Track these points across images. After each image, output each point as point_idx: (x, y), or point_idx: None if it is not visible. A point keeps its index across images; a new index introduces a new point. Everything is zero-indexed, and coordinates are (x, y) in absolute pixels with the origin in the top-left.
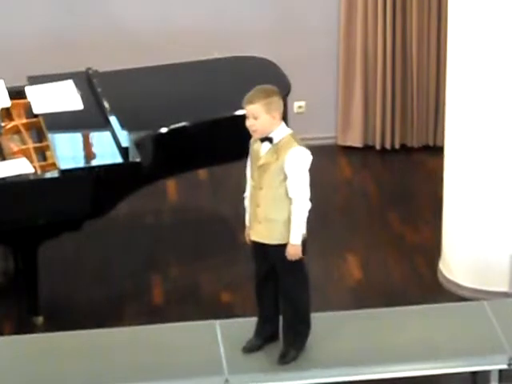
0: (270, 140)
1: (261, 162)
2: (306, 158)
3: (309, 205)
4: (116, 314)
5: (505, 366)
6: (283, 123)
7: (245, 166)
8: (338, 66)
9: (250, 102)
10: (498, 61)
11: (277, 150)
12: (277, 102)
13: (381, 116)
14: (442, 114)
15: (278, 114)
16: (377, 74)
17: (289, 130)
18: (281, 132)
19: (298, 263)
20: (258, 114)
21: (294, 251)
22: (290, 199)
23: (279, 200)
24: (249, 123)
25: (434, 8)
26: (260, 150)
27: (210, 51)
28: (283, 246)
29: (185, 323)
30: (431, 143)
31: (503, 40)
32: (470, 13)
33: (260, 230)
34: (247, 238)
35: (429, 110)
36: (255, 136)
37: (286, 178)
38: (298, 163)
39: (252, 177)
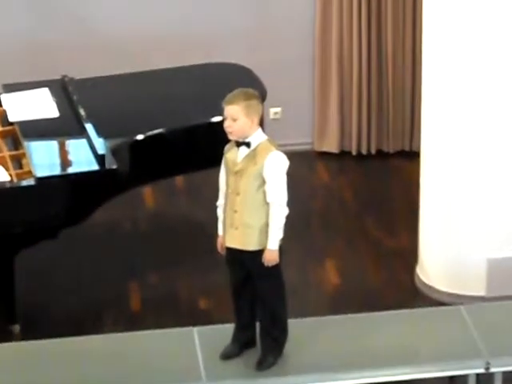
0: (247, 145)
1: (238, 167)
2: (284, 162)
3: (287, 210)
4: (93, 322)
5: (482, 371)
6: (260, 129)
7: None
8: (314, 71)
9: (231, 102)
10: (474, 65)
11: (255, 155)
12: (257, 105)
13: (357, 121)
14: (417, 119)
15: (256, 119)
16: (352, 79)
17: (265, 136)
18: (258, 137)
19: (275, 269)
20: (237, 116)
21: (271, 256)
22: (267, 204)
23: (257, 205)
24: (227, 124)
25: (409, 15)
26: (236, 155)
27: (185, 57)
28: (260, 252)
29: (162, 330)
30: (407, 148)
31: (479, 44)
32: (444, 20)
33: (236, 236)
34: (219, 247)
35: (404, 115)
36: (231, 137)
37: (263, 182)
38: (276, 168)
39: (227, 183)
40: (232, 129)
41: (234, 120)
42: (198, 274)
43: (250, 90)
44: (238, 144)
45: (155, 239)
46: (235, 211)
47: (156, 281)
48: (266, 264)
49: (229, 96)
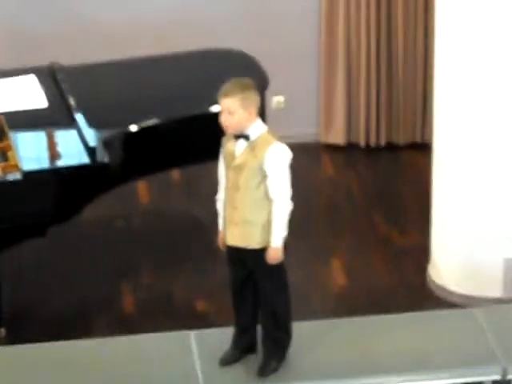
0: (246, 137)
1: (237, 161)
2: (286, 155)
3: (290, 205)
4: (84, 325)
5: (498, 377)
6: (259, 119)
7: None
8: (319, 57)
9: (226, 95)
10: (489, 53)
11: (254, 148)
12: (254, 96)
13: (365, 112)
14: (430, 108)
15: (254, 110)
16: (360, 66)
17: (265, 127)
18: (258, 129)
19: (278, 268)
20: (234, 109)
21: (275, 255)
22: (270, 200)
23: (258, 201)
24: (223, 118)
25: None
26: (235, 148)
27: (184, 44)
28: (262, 251)
29: (157, 334)
30: (419, 140)
31: (493, 33)
32: (458, 5)
33: (237, 234)
34: (221, 244)
35: (416, 104)
36: (228, 132)
37: (265, 177)
38: (278, 161)
39: (227, 177)
40: (229, 123)
41: (231, 113)
42: (196, 274)
43: (246, 80)
44: (237, 137)
45: (150, 237)
46: (235, 207)
47: (150, 281)
48: (269, 263)
49: (224, 88)
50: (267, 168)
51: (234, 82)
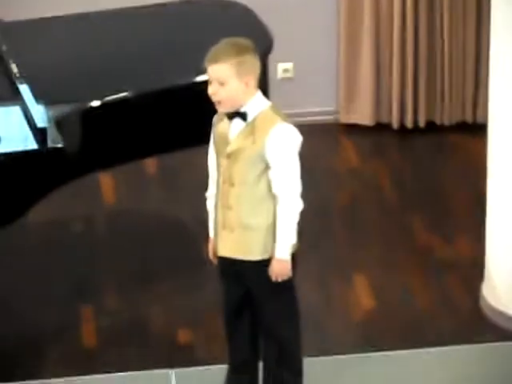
0: (242, 116)
1: (231, 147)
2: (295, 138)
3: (301, 204)
4: (30, 362)
5: None
6: (260, 92)
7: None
8: (339, 14)
9: (215, 60)
10: None
11: (253, 130)
12: (252, 62)
13: (399, 83)
14: (483, 80)
15: (252, 80)
16: (393, 25)
17: (268, 102)
18: (257, 105)
19: (285, 287)
20: (226, 78)
21: (281, 269)
22: (273, 198)
23: (259, 199)
24: (212, 90)
25: None
26: (228, 131)
27: None
28: (265, 263)
29: (128, 373)
30: (469, 120)
31: None
32: None
33: (232, 242)
34: (211, 255)
35: (466, 75)
36: (220, 109)
37: (267, 168)
38: (284, 146)
39: (218, 169)
40: (220, 97)
41: (222, 84)
42: (177, 295)
43: (242, 41)
44: (230, 116)
45: (117, 246)
46: (229, 208)
47: (118, 304)
48: (273, 279)
49: (213, 51)
50: (270, 156)
51: (227, 42)
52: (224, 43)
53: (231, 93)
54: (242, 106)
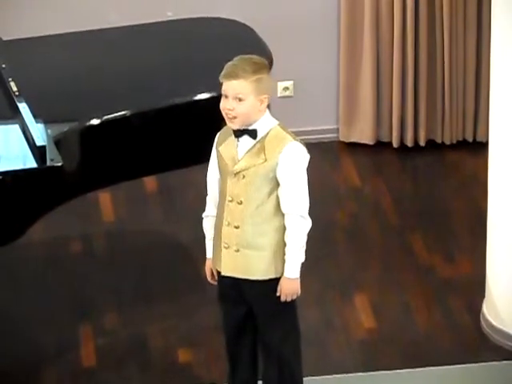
0: (252, 133)
1: (240, 165)
2: (305, 157)
3: (310, 223)
4: (32, 381)
5: None
6: (268, 111)
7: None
8: (339, 32)
9: (235, 75)
10: None
11: (263, 148)
12: (268, 80)
13: (399, 102)
14: (484, 98)
15: (267, 98)
16: (393, 44)
17: (276, 121)
18: (267, 123)
19: (289, 306)
20: (245, 95)
21: (290, 288)
22: (281, 216)
23: (268, 218)
24: (228, 106)
25: None
26: (236, 149)
27: (163, 11)
28: (270, 282)
29: None
30: (469, 138)
31: None
32: None
33: (237, 261)
34: (209, 275)
35: (466, 92)
36: (233, 126)
37: (276, 186)
38: (295, 164)
39: (222, 188)
40: (236, 112)
41: (240, 100)
42: (176, 315)
43: (258, 58)
44: (238, 133)
45: (116, 265)
46: (236, 227)
47: (117, 324)
48: (282, 298)
49: (231, 67)
50: (281, 174)
51: (245, 59)
52: (242, 60)
53: (248, 109)
54: (252, 124)
